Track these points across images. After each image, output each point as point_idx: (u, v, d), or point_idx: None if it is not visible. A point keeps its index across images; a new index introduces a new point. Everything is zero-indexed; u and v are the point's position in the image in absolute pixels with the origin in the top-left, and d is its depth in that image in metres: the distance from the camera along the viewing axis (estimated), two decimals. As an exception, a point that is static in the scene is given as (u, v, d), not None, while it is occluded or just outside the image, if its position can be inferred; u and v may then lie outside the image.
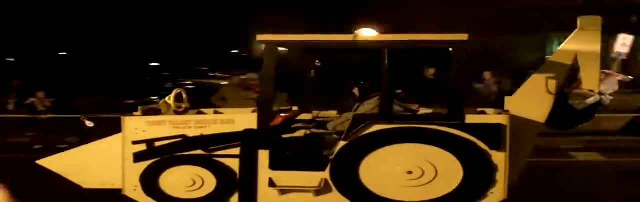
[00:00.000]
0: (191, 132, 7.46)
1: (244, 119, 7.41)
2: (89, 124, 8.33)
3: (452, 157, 7.12)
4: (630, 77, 8.26)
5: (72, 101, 21.66)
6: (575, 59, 7.93)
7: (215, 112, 8.68)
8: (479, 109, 8.35)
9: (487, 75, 16.99)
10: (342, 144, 7.25)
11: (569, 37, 8.01)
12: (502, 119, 7.21)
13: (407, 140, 7.16)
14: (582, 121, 8.24)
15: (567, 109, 7.99)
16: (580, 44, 7.91)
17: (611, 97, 8.12)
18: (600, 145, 15.69)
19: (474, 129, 7.12)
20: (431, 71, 14.78)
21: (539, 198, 9.61)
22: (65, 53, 43.88)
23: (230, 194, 7.42)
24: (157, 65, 43.85)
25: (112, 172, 7.65)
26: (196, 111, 8.80)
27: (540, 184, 10.58)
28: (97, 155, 7.76)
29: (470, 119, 7.15)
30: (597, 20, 7.95)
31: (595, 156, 14.40)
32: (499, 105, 8.20)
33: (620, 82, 8.21)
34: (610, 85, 8.14)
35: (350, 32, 7.63)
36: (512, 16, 26.20)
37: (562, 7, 23.92)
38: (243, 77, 12.68)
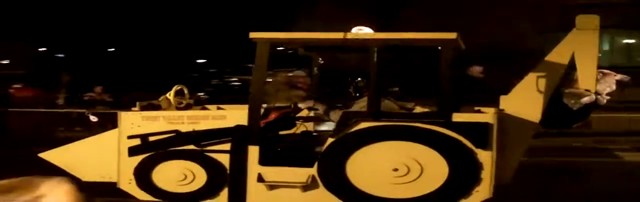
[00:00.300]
0: (184, 128, 7.62)
1: (235, 115, 7.54)
2: (93, 118, 8.54)
3: (438, 155, 7.15)
4: (627, 76, 8.20)
5: (131, 96, 22.04)
6: (572, 59, 7.91)
7: (218, 108, 8.82)
8: (475, 108, 8.37)
9: None
10: (330, 140, 7.34)
11: (566, 36, 7.98)
12: (488, 118, 7.22)
13: (393, 137, 7.22)
14: (576, 120, 8.20)
15: (562, 109, 7.97)
16: (577, 43, 7.87)
17: (608, 97, 8.07)
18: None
19: (460, 127, 7.14)
20: (479, 69, 14.68)
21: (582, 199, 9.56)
22: (113, 49, 44.55)
23: (220, 189, 7.56)
24: (204, 62, 44.25)
25: (111, 166, 7.84)
26: (200, 107, 8.96)
27: (587, 185, 10.48)
28: (96, 149, 7.95)
29: (457, 117, 7.17)
30: (595, 19, 7.91)
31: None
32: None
33: (618, 82, 8.15)
34: (608, 85, 8.08)
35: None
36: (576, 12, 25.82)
37: (626, 3, 23.46)
38: (289, 74, 12.73)
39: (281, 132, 8.44)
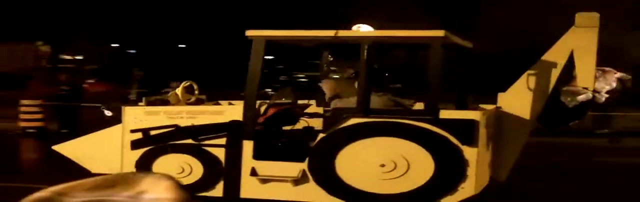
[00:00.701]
0: (183, 122, 7.87)
1: (231, 111, 7.77)
2: (108, 113, 8.86)
3: (424, 152, 7.24)
4: (628, 75, 8.14)
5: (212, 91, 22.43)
6: (571, 56, 7.91)
7: (230, 104, 9.06)
8: (473, 105, 8.42)
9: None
10: (320, 136, 7.50)
11: (565, 34, 7.97)
12: (475, 115, 7.26)
13: (381, 133, 7.33)
14: (573, 118, 8.18)
15: (558, 107, 7.97)
16: (576, 40, 7.87)
17: (607, 95, 8.03)
18: None
19: (447, 124, 7.21)
20: None
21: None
22: (184, 45, 45.42)
23: (216, 182, 7.79)
24: (272, 58, 44.73)
25: (118, 158, 8.15)
26: (213, 102, 9.21)
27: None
28: (105, 142, 8.28)
29: (444, 114, 7.24)
30: (595, 17, 7.89)
31: None
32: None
33: (619, 80, 8.11)
34: (607, 83, 8.05)
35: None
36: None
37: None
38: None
39: (285, 128, 8.63)
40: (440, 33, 7.22)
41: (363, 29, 8.06)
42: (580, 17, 7.86)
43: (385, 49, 7.44)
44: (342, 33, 7.53)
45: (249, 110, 7.65)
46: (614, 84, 8.02)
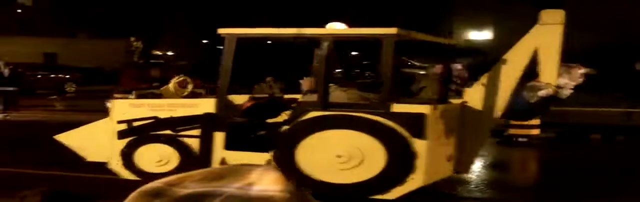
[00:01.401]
0: (163, 114, 8.43)
1: (206, 104, 8.28)
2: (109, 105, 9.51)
3: (377, 144, 7.57)
4: (594, 70, 8.25)
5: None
6: (536, 53, 8.08)
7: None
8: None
9: None
10: (284, 128, 7.93)
11: (530, 31, 8.14)
12: (425, 109, 7.54)
13: (338, 126, 7.70)
14: (535, 113, 8.34)
15: (521, 101, 8.15)
16: (540, 37, 8.03)
17: (572, 91, 8.17)
18: None
19: (399, 117, 7.53)
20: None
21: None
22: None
23: (190, 171, 8.29)
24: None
25: (109, 147, 8.78)
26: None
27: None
28: (98, 132, 8.91)
29: (397, 108, 7.55)
30: (560, 14, 8.04)
31: None
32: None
33: (585, 75, 8.23)
34: (572, 79, 8.18)
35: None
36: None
37: None
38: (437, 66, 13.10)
39: (270, 120, 9.08)
40: (392, 31, 7.54)
41: (337, 27, 8.43)
42: (545, 14, 8.02)
43: (368, 46, 7.78)
44: (304, 31, 7.93)
45: (220, 103, 8.14)
46: (580, 80, 8.13)
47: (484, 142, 8.30)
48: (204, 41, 46.43)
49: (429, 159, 7.55)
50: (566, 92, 8.13)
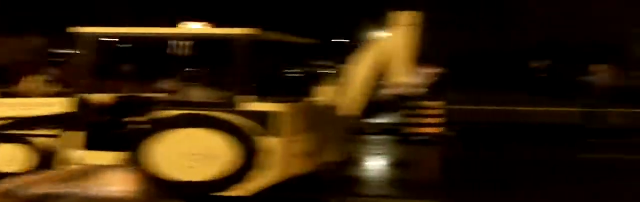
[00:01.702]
0: (20, 113, 8.35)
1: (62, 103, 8.24)
2: None
3: (230, 142, 7.67)
4: (441, 69, 8.55)
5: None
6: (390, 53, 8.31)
7: None
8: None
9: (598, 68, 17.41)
10: (138, 126, 7.96)
11: (384, 32, 8.37)
12: (278, 107, 7.69)
13: (193, 125, 7.78)
14: (385, 111, 8.60)
15: (372, 100, 8.38)
16: (393, 38, 8.28)
17: (423, 89, 8.45)
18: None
19: (252, 115, 7.65)
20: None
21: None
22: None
23: (45, 171, 8.26)
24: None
25: None
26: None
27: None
28: None
29: (250, 106, 7.68)
30: (409, 15, 8.29)
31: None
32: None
33: (430, 74, 8.53)
34: (420, 78, 8.47)
35: None
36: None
37: None
38: None
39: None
40: (246, 31, 7.67)
41: (192, 27, 8.47)
42: (398, 16, 8.26)
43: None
44: (158, 30, 7.99)
45: (77, 101, 8.12)
46: (428, 80, 8.42)
47: (340, 139, 8.47)
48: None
49: (283, 156, 7.70)
50: (414, 90, 8.41)
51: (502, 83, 20.68)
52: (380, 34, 8.35)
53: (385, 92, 8.26)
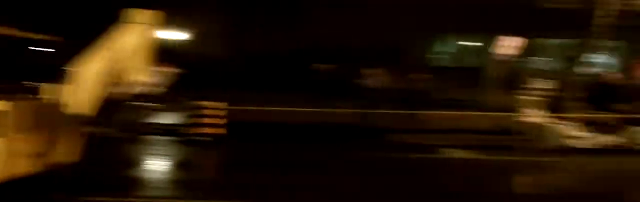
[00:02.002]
0: None
1: None
2: None
3: None
4: (178, 69, 8.66)
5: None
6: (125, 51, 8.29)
7: None
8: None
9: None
10: None
11: (121, 29, 8.32)
12: (1, 105, 7.52)
13: None
14: (166, 111, 8.60)
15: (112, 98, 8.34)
16: (128, 36, 8.27)
17: (164, 90, 8.51)
18: (470, 143, 15.78)
19: None
20: None
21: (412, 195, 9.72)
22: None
23: None
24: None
25: None
26: None
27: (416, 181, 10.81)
28: None
29: None
30: (148, 14, 8.33)
31: (467, 154, 14.61)
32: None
33: (170, 74, 8.62)
34: (161, 78, 8.54)
35: None
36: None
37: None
38: None
39: None
40: None
41: None
42: (126, 13, 8.26)
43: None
44: None
45: None
46: (165, 79, 8.50)
47: (76, 137, 8.38)
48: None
49: (7, 155, 7.53)
50: (152, 90, 8.46)
51: (286, 84, 21.14)
52: (111, 32, 8.28)
53: (120, 90, 8.21)
